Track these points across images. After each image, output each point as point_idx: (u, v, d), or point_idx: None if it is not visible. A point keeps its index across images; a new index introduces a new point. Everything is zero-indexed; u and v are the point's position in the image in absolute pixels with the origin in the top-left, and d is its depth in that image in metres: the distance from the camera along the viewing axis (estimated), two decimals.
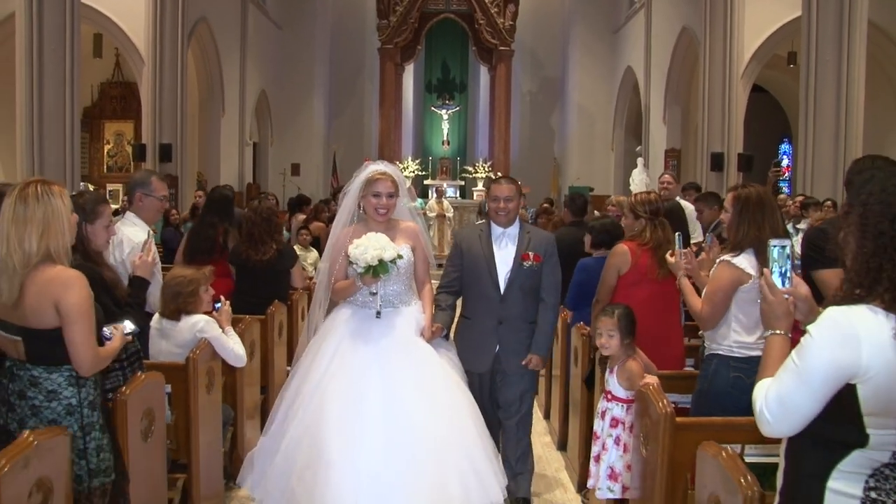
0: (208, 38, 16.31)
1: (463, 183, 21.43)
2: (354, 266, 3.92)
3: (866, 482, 1.81)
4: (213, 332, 4.06)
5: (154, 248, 3.71)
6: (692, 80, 16.29)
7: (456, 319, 4.51)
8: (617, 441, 3.68)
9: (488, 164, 21.28)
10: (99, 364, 2.81)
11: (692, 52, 15.60)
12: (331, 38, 22.41)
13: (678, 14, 16.19)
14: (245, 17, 18.08)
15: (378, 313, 4.00)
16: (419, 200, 17.51)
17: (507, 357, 4.33)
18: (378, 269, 3.85)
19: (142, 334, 3.76)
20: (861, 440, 1.80)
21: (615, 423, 3.70)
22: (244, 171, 18.64)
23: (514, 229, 4.39)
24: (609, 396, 3.78)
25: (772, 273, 2.08)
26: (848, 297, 1.83)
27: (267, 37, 19.89)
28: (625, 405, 3.69)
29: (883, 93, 14.14)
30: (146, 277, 3.50)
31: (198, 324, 4.05)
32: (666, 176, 7.76)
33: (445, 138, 22.42)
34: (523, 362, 4.32)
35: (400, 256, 3.94)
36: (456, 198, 20.09)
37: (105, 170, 17.14)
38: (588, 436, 4.53)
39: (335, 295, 4.19)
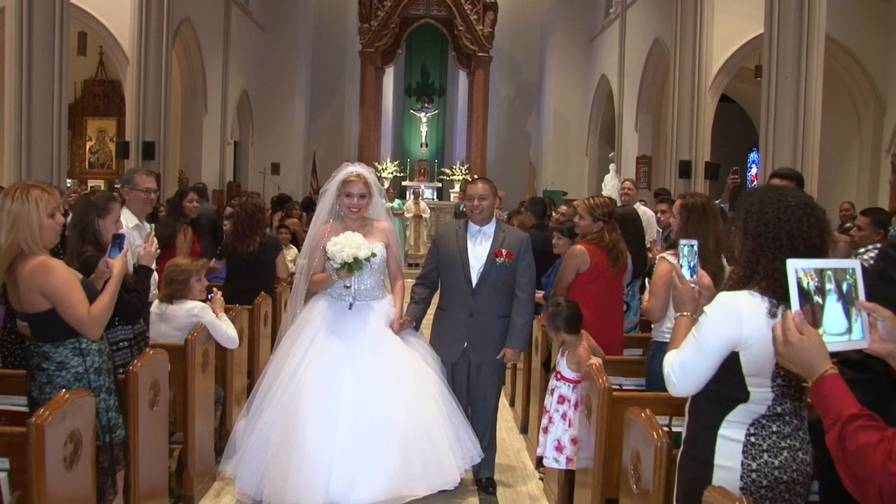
0: (192, 39, 16.57)
1: (440, 185, 21.86)
2: (331, 262, 4.34)
3: (747, 430, 2.28)
4: (208, 316, 4.48)
5: (155, 240, 4.09)
6: (663, 90, 16.84)
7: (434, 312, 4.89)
8: (563, 416, 4.12)
9: (465, 166, 21.73)
10: (101, 320, 3.14)
11: (663, 63, 16.13)
12: (312, 41, 22.75)
13: (651, 26, 16.73)
14: (228, 18, 18.35)
15: (350, 305, 4.42)
16: (397, 201, 17.93)
17: (476, 348, 4.69)
18: (352, 266, 4.28)
19: (144, 318, 4.16)
20: (744, 396, 2.28)
21: (562, 400, 4.15)
22: (225, 170, 18.90)
23: (490, 227, 4.75)
24: (559, 376, 4.23)
25: (682, 267, 2.54)
26: (734, 283, 2.31)
27: (249, 38, 20.19)
28: (571, 385, 4.14)
29: (843, 105, 14.73)
30: (149, 266, 3.88)
31: (193, 309, 4.47)
32: (627, 182, 8.28)
33: (424, 141, 22.85)
34: (498, 356, 4.68)
35: (374, 255, 4.36)
36: (433, 199, 20.50)
37: (87, 166, 17.37)
38: None
39: (312, 286, 4.61)
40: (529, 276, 4.73)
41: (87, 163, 17.37)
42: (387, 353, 4.45)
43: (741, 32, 14.27)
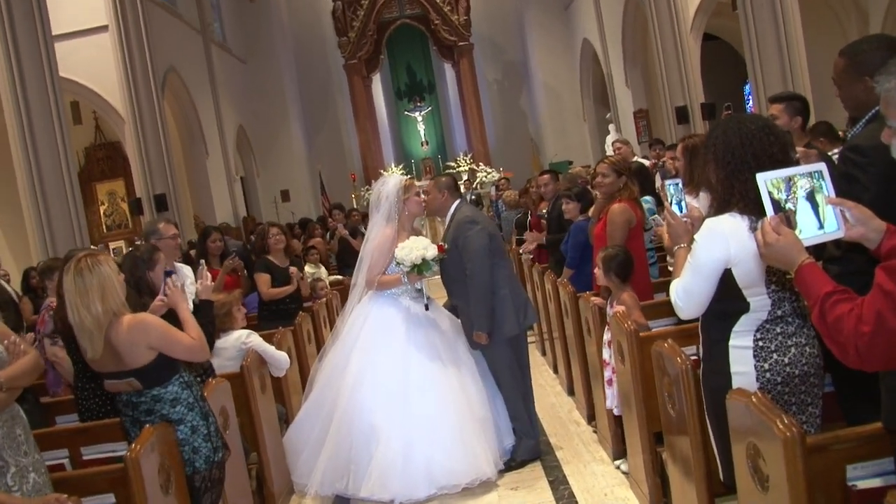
0: (180, 86, 16.88)
1: None
2: (401, 266, 4.62)
3: (754, 336, 2.52)
4: (256, 340, 4.76)
5: (208, 274, 4.35)
6: (646, 41, 16.93)
7: None
8: None
9: (469, 156, 21.93)
10: (203, 346, 3.39)
11: (642, 14, 16.22)
12: (295, 64, 23.05)
13: None
14: (210, 58, 18.64)
15: (427, 306, 4.77)
16: None
17: (468, 337, 4.84)
18: (421, 268, 4.58)
19: None
20: (745, 307, 2.52)
21: None
22: (237, 206, 19.24)
23: (448, 220, 4.97)
24: None
25: (671, 204, 2.78)
26: (716, 209, 2.55)
27: (234, 73, 20.49)
28: None
29: (826, 20, 14.74)
30: (210, 299, 4.16)
31: (241, 336, 4.75)
32: (617, 143, 8.56)
33: (423, 139, 23.14)
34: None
35: (439, 255, 4.66)
36: None
37: (105, 230, 17.71)
38: (588, 381, 5.24)
39: (381, 286, 4.83)
40: (469, 256, 4.68)
41: (104, 227, 17.71)
42: (462, 348, 4.82)
43: None
